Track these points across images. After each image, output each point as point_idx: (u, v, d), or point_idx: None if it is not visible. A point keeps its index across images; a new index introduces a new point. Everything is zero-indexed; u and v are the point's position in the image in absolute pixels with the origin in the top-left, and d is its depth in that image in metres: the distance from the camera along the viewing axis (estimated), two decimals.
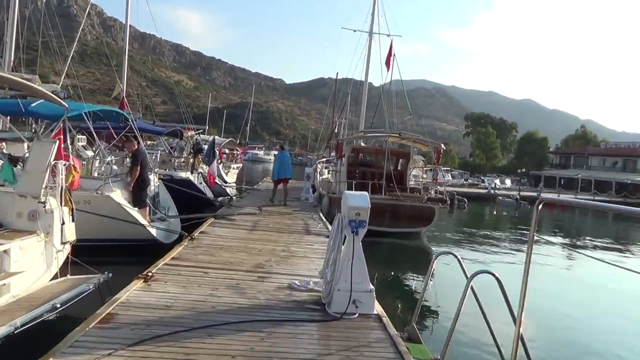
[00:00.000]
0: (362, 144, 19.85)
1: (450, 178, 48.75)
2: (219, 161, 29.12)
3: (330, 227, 10.94)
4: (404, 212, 14.55)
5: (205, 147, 17.09)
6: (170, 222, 10.49)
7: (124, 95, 15.34)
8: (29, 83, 6.83)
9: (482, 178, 59.80)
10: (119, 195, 8.78)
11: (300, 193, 18.40)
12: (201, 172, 17.20)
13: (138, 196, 9.35)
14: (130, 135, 11.81)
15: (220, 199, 18.43)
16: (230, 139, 34.70)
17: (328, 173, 25.53)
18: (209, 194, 16.22)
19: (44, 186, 6.35)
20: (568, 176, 65.59)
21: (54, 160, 6.59)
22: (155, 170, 11.52)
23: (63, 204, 6.79)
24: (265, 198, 17.37)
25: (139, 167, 9.21)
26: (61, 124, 7.20)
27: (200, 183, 16.50)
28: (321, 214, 13.43)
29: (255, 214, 11.76)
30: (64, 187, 6.78)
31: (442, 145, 15.84)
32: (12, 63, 17.25)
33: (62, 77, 21.28)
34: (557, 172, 70.37)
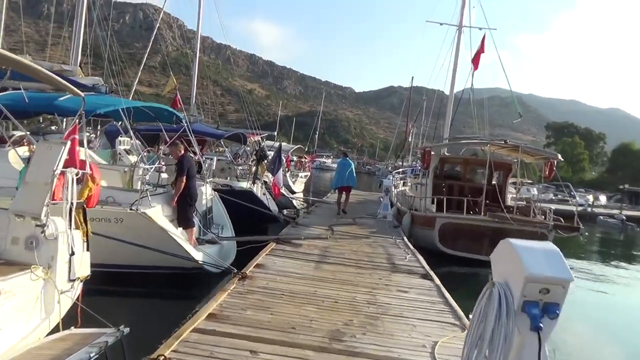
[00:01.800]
0: (446, 154, 17.15)
1: (536, 192, 43.86)
2: (286, 169, 27.54)
3: (421, 259, 8.54)
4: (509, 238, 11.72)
5: (270, 153, 15.25)
6: (223, 244, 8.57)
7: (182, 93, 13.73)
8: (35, 65, 5.07)
9: (572, 193, 53.83)
10: (158, 212, 6.96)
11: (377, 209, 16.01)
12: (266, 181, 15.39)
13: (183, 213, 7.50)
14: (186, 138, 10.15)
15: (285, 212, 16.62)
16: (298, 146, 33.07)
17: (404, 185, 22.96)
18: (273, 207, 14.31)
19: (46, 203, 4.54)
20: None
21: (63, 167, 4.77)
22: (210, 180, 9.73)
23: (74, 226, 4.94)
24: (336, 213, 15.25)
25: (184, 178, 7.36)
26: (77, 121, 5.47)
27: (264, 194, 14.67)
28: (405, 239, 10.99)
29: (327, 238, 9.55)
30: (74, 203, 4.90)
31: (559, 156, 12.83)
32: (78, 65, 16.50)
33: (135, 83, 20.69)
34: None
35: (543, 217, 12.64)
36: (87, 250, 5.10)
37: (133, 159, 8.84)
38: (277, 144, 18.16)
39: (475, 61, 17.73)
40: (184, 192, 7.39)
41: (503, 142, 12.54)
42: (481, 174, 17.25)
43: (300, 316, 4.69)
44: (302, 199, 20.24)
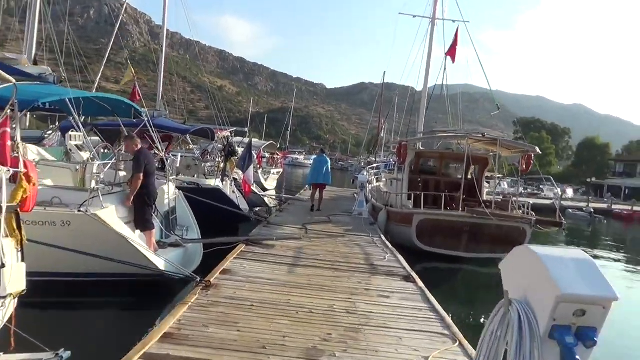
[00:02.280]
0: (421, 148, 16.79)
1: (506, 186, 44.20)
2: (258, 166, 26.83)
3: (401, 259, 8.05)
4: (487, 234, 11.43)
5: (240, 149, 14.54)
6: (188, 248, 7.88)
7: (137, 83, 12.65)
8: None
9: (541, 187, 54.84)
10: (111, 214, 6.23)
11: (351, 206, 15.53)
12: (235, 179, 14.69)
13: (141, 214, 6.78)
14: (145, 132, 9.39)
15: (257, 209, 16.00)
16: (270, 142, 32.37)
17: (377, 181, 22.55)
18: (244, 205, 13.63)
19: None
20: (635, 185, 59.79)
21: None
22: (173, 177, 8.99)
23: (4, 234, 4.23)
24: (309, 210, 14.72)
25: (141, 175, 6.64)
26: (8, 111, 4.72)
27: (234, 192, 13.98)
28: (383, 237, 10.51)
29: (300, 238, 8.94)
30: (4, 207, 4.19)
31: (537, 149, 12.58)
32: (33, 57, 15.49)
33: (98, 78, 19.69)
34: (622, 182, 64.34)
35: (520, 211, 12.41)
36: (22, 260, 4.39)
37: (86, 155, 8.05)
38: (247, 140, 17.43)
39: (452, 54, 17.42)
40: (141, 191, 6.68)
41: (481, 136, 12.22)
42: (456, 168, 16.98)
43: (271, 332, 4.09)
44: (274, 197, 19.57)
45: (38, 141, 12.06)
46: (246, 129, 26.50)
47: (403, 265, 7.45)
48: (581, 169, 79.53)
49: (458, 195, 12.01)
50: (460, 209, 11.56)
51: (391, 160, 25.51)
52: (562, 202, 38.33)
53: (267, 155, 32.69)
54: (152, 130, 9.08)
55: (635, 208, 37.80)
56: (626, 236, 28.67)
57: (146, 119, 9.12)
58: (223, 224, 11.54)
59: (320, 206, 14.90)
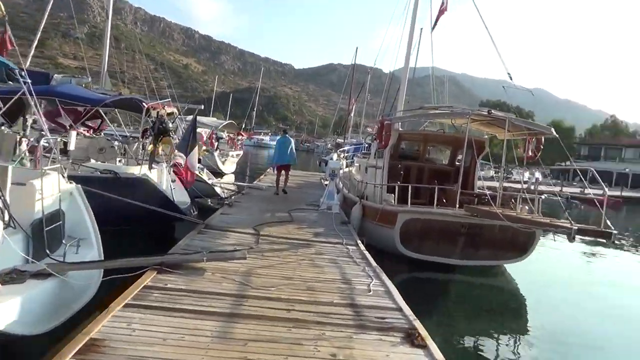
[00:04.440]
0: (400, 128, 14.29)
1: (482, 173, 42.37)
2: (214, 148, 23.93)
3: (392, 290, 5.53)
4: (489, 237, 9.11)
5: (176, 127, 11.68)
6: (68, 277, 5.07)
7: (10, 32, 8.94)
8: None
9: (510, 171, 53.90)
10: None
11: (318, 196, 13.01)
12: (178, 164, 11.88)
13: None
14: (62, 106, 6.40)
15: (210, 201, 13.44)
16: (230, 122, 29.16)
17: (347, 167, 19.98)
18: (183, 198, 10.84)
19: None
20: (600, 169, 60.18)
21: None
22: (59, 166, 6.12)
23: None
24: (269, 202, 12.17)
25: None
26: None
27: (174, 181, 11.18)
28: (361, 245, 7.95)
29: (244, 256, 6.09)
30: None
31: (553, 131, 10.31)
32: None
33: (33, 47, 16.86)
34: (587, 165, 64.73)
35: (527, 207, 10.10)
36: None
37: None
38: (191, 117, 14.39)
39: (437, 17, 15.01)
40: None
41: (486, 113, 9.76)
42: (442, 152, 14.66)
43: None
44: (227, 185, 16.73)
45: None
46: (201, 107, 23.18)
47: (398, 303, 4.87)
48: (547, 152, 79.81)
49: (454, 187, 9.62)
50: (457, 206, 9.14)
51: (364, 142, 23.04)
52: (533, 187, 37.12)
53: (224, 136, 29.71)
54: (32, 97, 6.16)
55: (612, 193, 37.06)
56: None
57: (25, 83, 6.19)
58: (150, 226, 8.77)
59: (285, 187, 14.24)
